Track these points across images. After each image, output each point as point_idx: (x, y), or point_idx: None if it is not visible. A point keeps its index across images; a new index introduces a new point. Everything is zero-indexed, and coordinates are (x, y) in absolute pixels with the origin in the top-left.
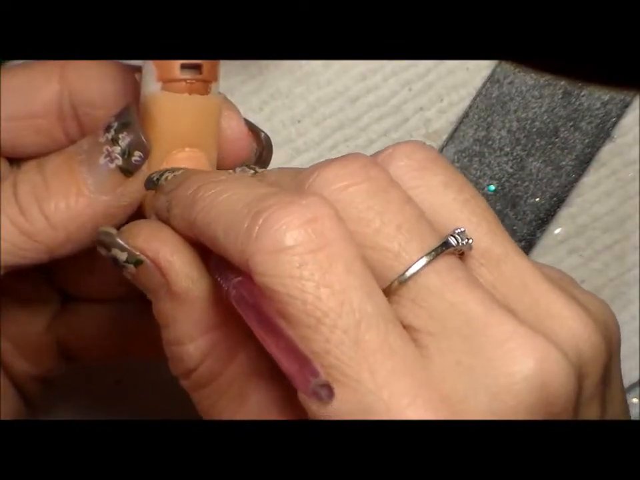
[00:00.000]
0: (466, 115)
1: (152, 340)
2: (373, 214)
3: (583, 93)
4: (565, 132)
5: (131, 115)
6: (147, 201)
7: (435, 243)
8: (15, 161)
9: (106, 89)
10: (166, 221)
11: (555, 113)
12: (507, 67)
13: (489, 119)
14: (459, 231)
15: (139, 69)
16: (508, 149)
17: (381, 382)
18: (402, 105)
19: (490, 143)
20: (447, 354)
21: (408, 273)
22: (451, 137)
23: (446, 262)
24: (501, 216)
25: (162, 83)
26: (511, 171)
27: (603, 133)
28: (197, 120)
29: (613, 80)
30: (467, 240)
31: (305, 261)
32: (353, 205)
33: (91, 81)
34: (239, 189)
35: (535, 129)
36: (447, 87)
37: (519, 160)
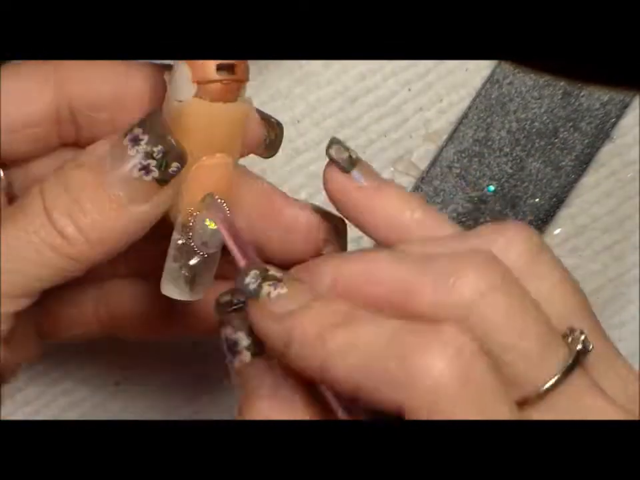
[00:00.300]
0: (465, 115)
1: (139, 319)
2: (515, 320)
3: (582, 94)
4: (565, 132)
5: (162, 126)
6: (175, 206)
7: (567, 350)
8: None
9: (108, 90)
10: (278, 353)
11: (554, 113)
12: (507, 67)
13: (489, 120)
14: (583, 337)
15: (168, 67)
16: (507, 150)
17: None
18: (402, 105)
19: (489, 143)
20: None
21: (550, 384)
22: (451, 138)
23: (581, 375)
24: (501, 216)
25: (197, 84)
26: (510, 171)
27: (603, 133)
28: (229, 127)
29: (613, 80)
30: (590, 346)
31: (461, 390)
32: (493, 309)
33: (90, 83)
34: (365, 325)
35: (534, 130)
36: (446, 87)
37: (518, 160)
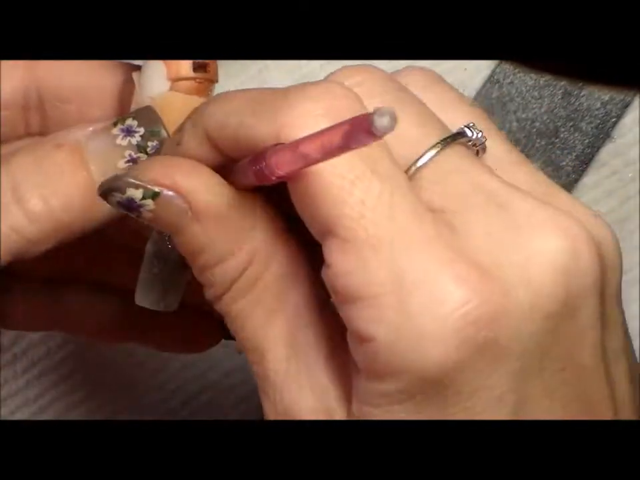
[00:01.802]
0: None
1: (93, 322)
2: (393, 100)
3: (582, 93)
4: (565, 132)
5: (159, 122)
6: None
7: (447, 132)
8: None
9: (79, 83)
10: (176, 153)
11: (554, 113)
12: (507, 67)
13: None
14: (472, 124)
15: (136, 68)
16: None
17: (416, 248)
18: None
19: None
20: (475, 227)
21: (428, 155)
22: None
23: (462, 149)
24: None
25: (171, 82)
26: None
27: (603, 133)
28: None
29: (613, 80)
30: (480, 133)
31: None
32: (372, 91)
33: (62, 75)
34: (252, 91)
35: (534, 130)
36: None
37: None
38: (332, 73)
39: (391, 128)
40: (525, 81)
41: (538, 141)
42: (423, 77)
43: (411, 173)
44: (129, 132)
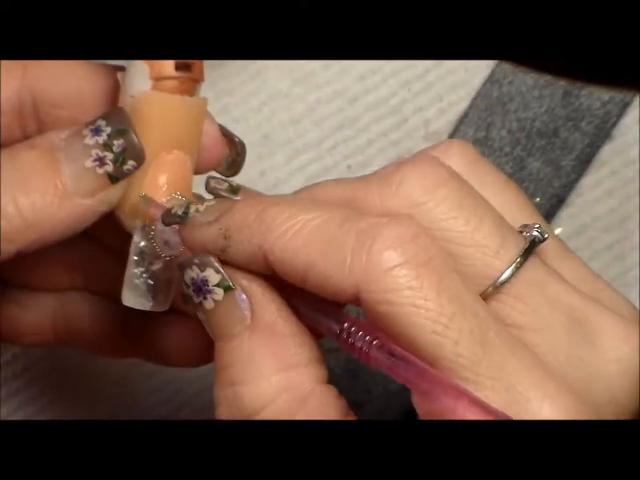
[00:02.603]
0: (465, 115)
1: (95, 332)
2: (468, 211)
3: (582, 93)
4: (565, 132)
5: (126, 122)
6: (124, 207)
7: (521, 239)
8: None
9: (71, 88)
10: (219, 253)
11: (554, 113)
12: (507, 67)
13: (489, 119)
14: (537, 226)
15: (121, 68)
16: (508, 149)
17: (513, 377)
18: (401, 105)
19: (490, 143)
20: (556, 347)
21: (509, 271)
22: (451, 137)
23: (535, 259)
24: None
25: (153, 81)
26: (511, 171)
27: (603, 132)
28: (186, 122)
29: (613, 80)
30: (546, 235)
31: (420, 273)
32: (445, 202)
33: (54, 81)
34: (311, 209)
35: (534, 129)
36: (446, 87)
37: (519, 160)
38: (396, 174)
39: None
40: (524, 81)
41: (538, 140)
42: (466, 156)
43: (489, 291)
44: (97, 132)
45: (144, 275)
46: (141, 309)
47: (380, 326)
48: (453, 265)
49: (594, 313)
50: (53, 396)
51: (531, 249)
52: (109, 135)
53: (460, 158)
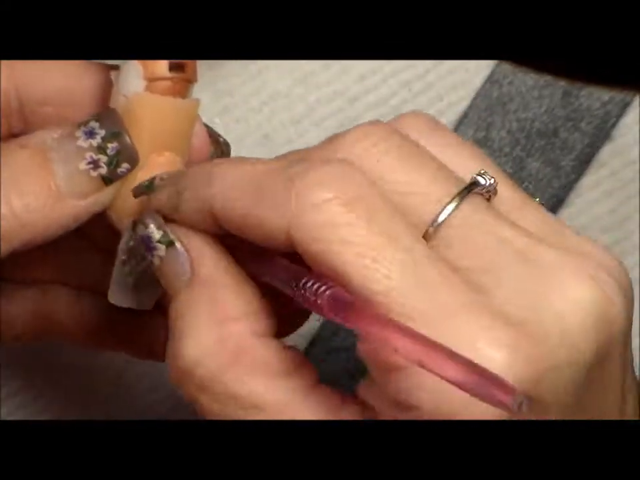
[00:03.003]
0: (465, 115)
1: (79, 327)
2: (409, 163)
3: (582, 94)
4: (565, 132)
5: (120, 124)
6: (116, 207)
7: (463, 185)
8: None
9: (58, 86)
10: (173, 214)
11: (554, 113)
12: (507, 67)
13: (489, 120)
14: (483, 171)
15: (114, 67)
16: (507, 150)
17: (450, 315)
18: (401, 105)
19: (489, 143)
20: (506, 285)
21: (447, 211)
22: None
23: (479, 201)
24: None
25: (147, 81)
26: (510, 171)
27: (603, 133)
28: (177, 123)
29: (613, 80)
30: (492, 179)
31: (350, 209)
32: (386, 155)
33: (41, 78)
34: (257, 163)
35: (534, 130)
36: (446, 87)
37: (518, 160)
38: (338, 137)
39: (521, 410)
40: (524, 81)
41: (538, 140)
42: (421, 123)
43: (430, 231)
44: (90, 134)
45: (131, 274)
46: (127, 307)
47: (315, 267)
48: (389, 205)
49: (549, 254)
50: (53, 396)
51: (469, 189)
52: (102, 138)
53: (412, 125)
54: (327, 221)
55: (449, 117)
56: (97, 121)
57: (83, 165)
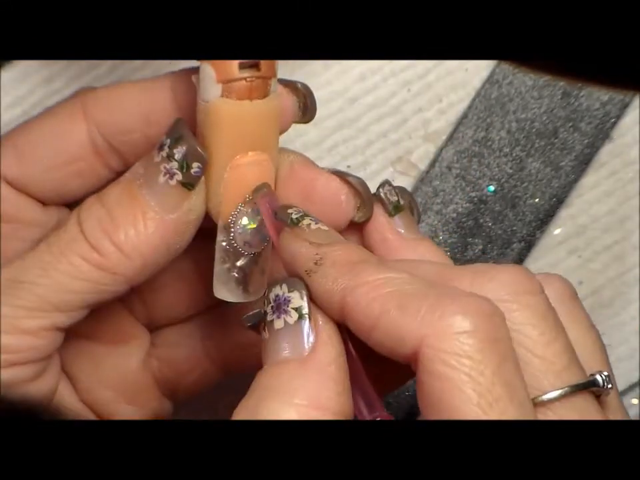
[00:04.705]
0: (465, 115)
1: (242, 345)
2: (547, 326)
3: (582, 94)
4: (564, 132)
5: (182, 127)
6: (215, 209)
7: (584, 374)
8: (74, 205)
9: (133, 112)
10: (303, 274)
11: (554, 113)
12: (506, 67)
13: (488, 120)
14: (606, 374)
15: (195, 70)
16: (507, 150)
17: None
18: (401, 105)
19: (489, 143)
20: None
21: (556, 393)
22: (450, 138)
23: (588, 397)
24: (501, 217)
25: (222, 84)
26: (510, 171)
27: (602, 133)
28: (259, 124)
29: (613, 80)
30: (610, 385)
31: (483, 347)
32: (529, 309)
33: (114, 109)
34: (404, 273)
35: (534, 130)
36: (446, 87)
37: (518, 161)
38: (489, 271)
39: None
40: (524, 82)
41: (537, 141)
42: (566, 292)
43: (538, 399)
44: (161, 147)
45: (231, 270)
46: (233, 300)
47: (426, 384)
48: (516, 357)
49: None
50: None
51: (589, 385)
52: (169, 146)
53: (558, 289)
54: (463, 352)
55: (449, 117)
56: (166, 134)
57: (161, 178)
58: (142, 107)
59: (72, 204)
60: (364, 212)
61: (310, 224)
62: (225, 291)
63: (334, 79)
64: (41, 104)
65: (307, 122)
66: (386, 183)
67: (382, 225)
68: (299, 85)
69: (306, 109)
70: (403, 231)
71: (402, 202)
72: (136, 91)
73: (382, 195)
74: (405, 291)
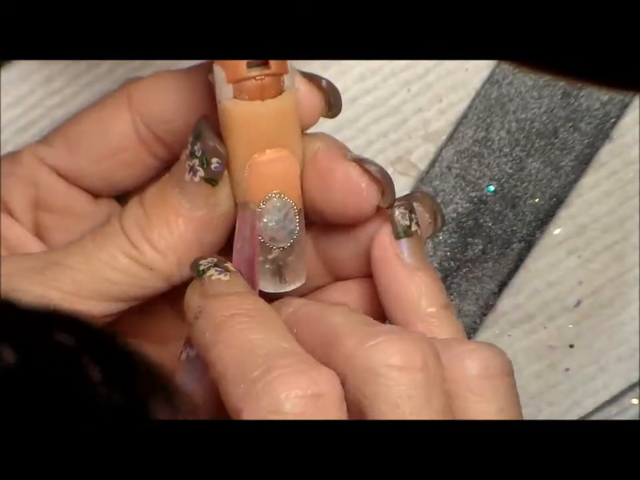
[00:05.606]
0: (465, 115)
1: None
2: (409, 406)
3: (582, 94)
4: (564, 132)
5: (201, 125)
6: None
7: None
8: (123, 197)
9: (172, 100)
10: (187, 319)
11: (554, 113)
12: (506, 67)
13: (488, 120)
14: None
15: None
16: (507, 150)
17: None
18: (401, 105)
19: (489, 143)
20: None
21: None
22: (450, 138)
23: None
24: (501, 217)
25: (232, 85)
26: (510, 171)
27: (602, 133)
28: (274, 123)
29: (613, 80)
30: None
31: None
32: (397, 387)
33: (155, 98)
34: (266, 332)
35: (534, 130)
36: (446, 87)
37: (518, 161)
38: (375, 337)
39: None
40: (524, 82)
41: (537, 141)
42: (481, 374)
43: None
44: (187, 145)
45: (265, 263)
46: (271, 291)
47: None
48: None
49: None
50: None
51: None
52: (191, 144)
53: (480, 367)
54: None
55: (449, 117)
56: (190, 136)
57: (187, 176)
58: (181, 96)
59: (123, 196)
60: (385, 199)
61: (212, 274)
62: (263, 283)
63: (333, 79)
64: (41, 104)
65: (332, 117)
66: (403, 205)
67: (384, 245)
68: (324, 82)
69: (330, 104)
70: (406, 255)
71: (414, 228)
72: (174, 80)
73: (394, 215)
74: (244, 351)
